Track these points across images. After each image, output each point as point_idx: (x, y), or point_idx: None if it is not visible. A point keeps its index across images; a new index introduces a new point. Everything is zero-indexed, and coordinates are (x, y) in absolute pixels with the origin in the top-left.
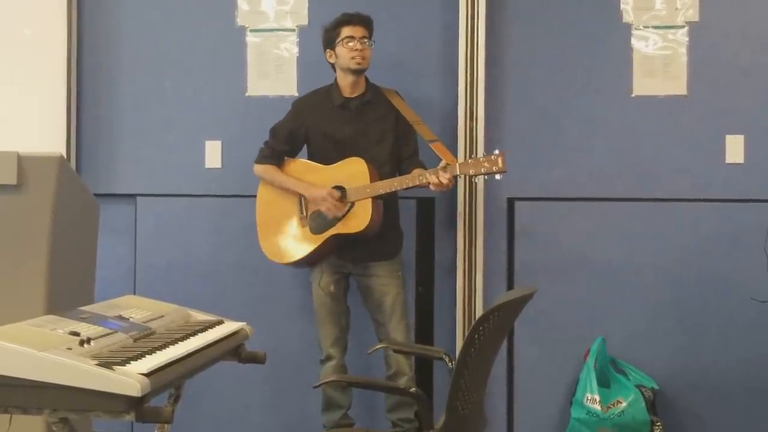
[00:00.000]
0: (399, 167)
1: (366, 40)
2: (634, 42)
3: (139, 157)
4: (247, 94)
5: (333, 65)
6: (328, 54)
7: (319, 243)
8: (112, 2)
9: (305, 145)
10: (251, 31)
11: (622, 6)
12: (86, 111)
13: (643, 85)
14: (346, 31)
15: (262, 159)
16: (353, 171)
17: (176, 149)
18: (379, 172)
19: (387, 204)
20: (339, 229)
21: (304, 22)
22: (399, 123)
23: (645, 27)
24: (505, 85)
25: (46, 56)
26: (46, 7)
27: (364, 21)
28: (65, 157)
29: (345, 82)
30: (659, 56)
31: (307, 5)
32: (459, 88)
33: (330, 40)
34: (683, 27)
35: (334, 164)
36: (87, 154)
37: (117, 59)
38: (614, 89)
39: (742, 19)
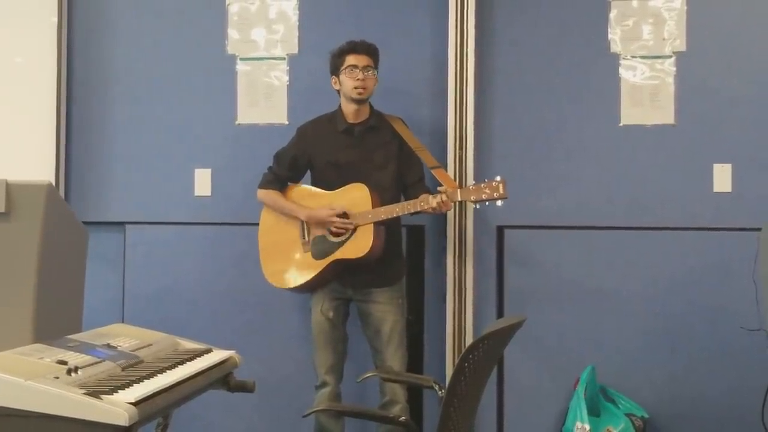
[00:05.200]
0: (405, 193)
1: (369, 70)
2: (621, 71)
3: (128, 184)
4: (237, 122)
5: (338, 92)
6: (333, 81)
7: (321, 268)
8: (102, 30)
9: (309, 170)
10: (241, 59)
11: (610, 36)
12: (75, 138)
13: (630, 115)
14: (350, 59)
15: (266, 184)
16: (355, 197)
17: (166, 177)
18: (381, 198)
19: (389, 230)
20: (341, 254)
21: (294, 50)
22: (402, 149)
23: (633, 57)
24: (495, 114)
25: (36, 84)
26: (37, 35)
27: (368, 50)
28: (54, 184)
29: (348, 109)
30: (647, 86)
31: (297, 34)
32: (449, 117)
33: (335, 67)
34: (671, 57)
35: (336, 190)
36: (76, 182)
37: (106, 87)
38: (602, 118)
39: (729, 49)
